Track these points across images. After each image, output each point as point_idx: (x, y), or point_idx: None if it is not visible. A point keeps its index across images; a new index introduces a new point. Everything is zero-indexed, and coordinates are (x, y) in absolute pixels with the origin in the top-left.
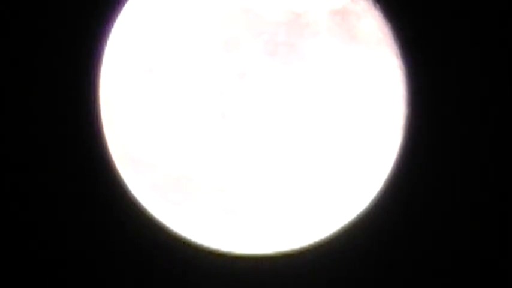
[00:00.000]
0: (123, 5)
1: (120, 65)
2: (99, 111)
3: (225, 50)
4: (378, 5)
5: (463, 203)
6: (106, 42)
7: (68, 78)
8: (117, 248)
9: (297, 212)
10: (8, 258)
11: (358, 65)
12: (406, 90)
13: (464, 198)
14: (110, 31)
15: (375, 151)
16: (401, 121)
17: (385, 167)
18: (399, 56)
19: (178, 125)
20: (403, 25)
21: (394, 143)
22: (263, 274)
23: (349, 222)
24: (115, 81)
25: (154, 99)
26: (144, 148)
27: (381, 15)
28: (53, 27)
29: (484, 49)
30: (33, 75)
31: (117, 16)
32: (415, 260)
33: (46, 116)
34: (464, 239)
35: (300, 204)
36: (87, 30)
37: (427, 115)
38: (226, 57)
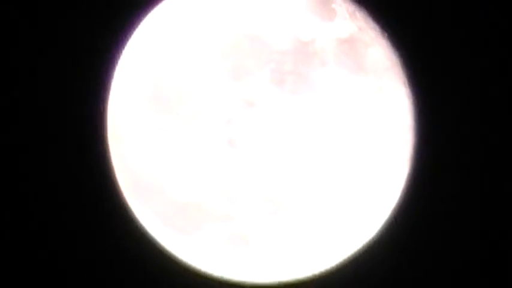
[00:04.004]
0: (130, 34)
1: (127, 94)
2: (107, 140)
3: (232, 78)
4: (385, 34)
5: (471, 232)
6: (114, 70)
7: (76, 108)
8: (125, 277)
9: (305, 241)
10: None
11: (366, 93)
12: (413, 118)
13: (471, 227)
14: (117, 60)
15: (383, 180)
16: (409, 150)
17: (393, 195)
18: (407, 84)
19: (186, 152)
20: (411, 54)
21: (402, 172)
22: None
23: (357, 251)
24: (123, 110)
25: (162, 127)
26: (152, 176)
27: (389, 44)
28: (64, 57)
29: (492, 78)
30: (42, 103)
31: (125, 45)
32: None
33: (55, 146)
34: (472, 267)
35: (308, 233)
36: (95, 59)
37: (435, 144)
38: (234, 86)
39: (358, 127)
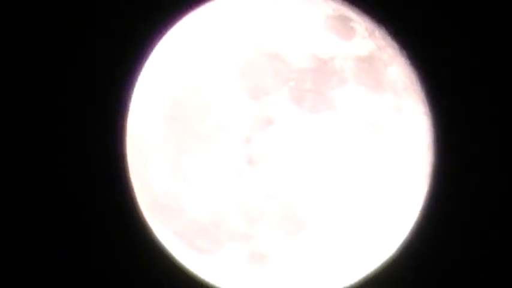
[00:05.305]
0: (148, 54)
1: (146, 113)
2: (127, 159)
3: (251, 97)
4: (404, 52)
5: (491, 250)
6: (133, 89)
7: (95, 127)
8: None
9: (325, 260)
10: None
11: (385, 112)
12: (432, 137)
13: (492, 245)
14: (136, 79)
15: (402, 198)
16: (428, 168)
17: (412, 214)
18: (426, 103)
19: (205, 171)
20: (430, 72)
21: (421, 190)
22: None
23: (377, 270)
24: (142, 128)
25: (181, 146)
26: (172, 196)
27: (408, 62)
28: (82, 78)
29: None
30: (60, 121)
31: (142, 65)
32: None
33: (74, 165)
34: (493, 283)
35: (328, 252)
36: (113, 79)
37: (453, 162)
38: (253, 104)
39: (378, 145)
